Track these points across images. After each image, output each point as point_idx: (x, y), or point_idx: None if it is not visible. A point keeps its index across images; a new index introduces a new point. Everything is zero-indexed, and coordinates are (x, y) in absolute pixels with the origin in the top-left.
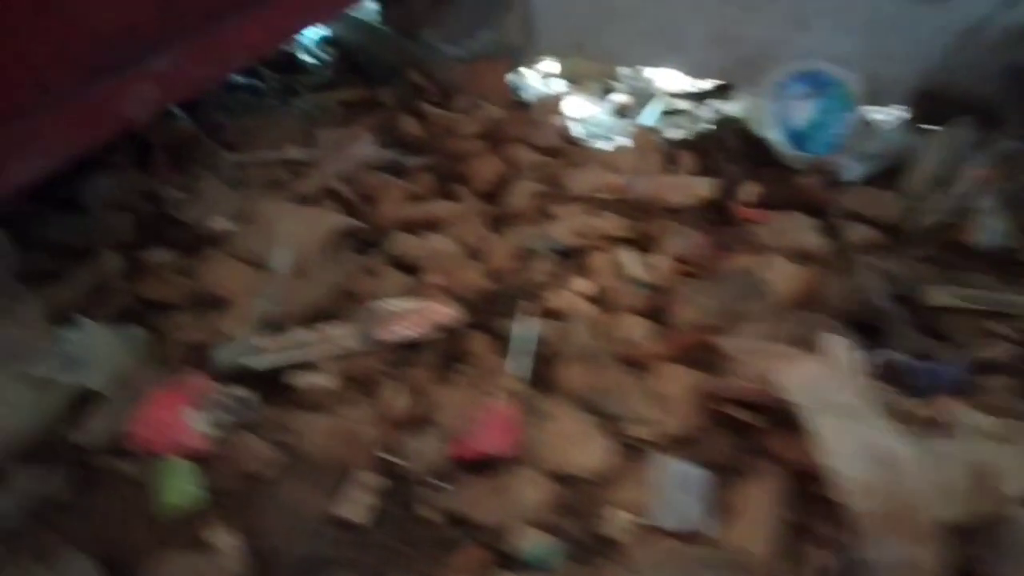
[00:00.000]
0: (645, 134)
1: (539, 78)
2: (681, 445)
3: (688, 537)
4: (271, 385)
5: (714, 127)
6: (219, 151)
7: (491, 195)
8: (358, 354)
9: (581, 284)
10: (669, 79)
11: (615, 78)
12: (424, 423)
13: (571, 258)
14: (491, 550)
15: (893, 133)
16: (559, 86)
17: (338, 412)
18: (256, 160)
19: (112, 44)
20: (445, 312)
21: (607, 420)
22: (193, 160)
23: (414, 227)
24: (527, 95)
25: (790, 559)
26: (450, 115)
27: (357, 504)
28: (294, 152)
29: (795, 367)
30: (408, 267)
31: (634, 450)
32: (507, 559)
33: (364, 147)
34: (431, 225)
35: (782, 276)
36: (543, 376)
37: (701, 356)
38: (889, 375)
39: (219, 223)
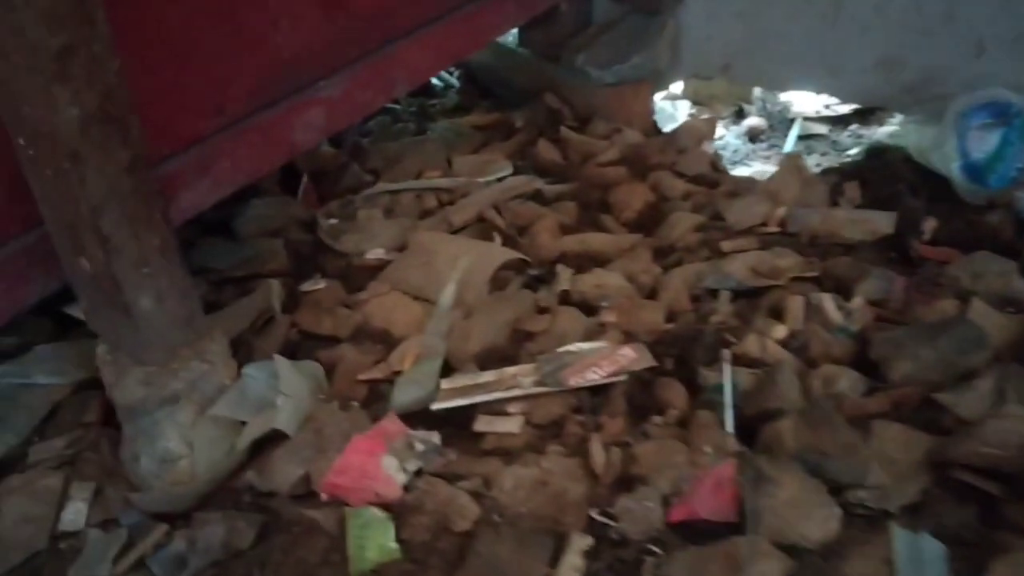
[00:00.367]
0: (793, 161)
1: (667, 101)
2: (914, 515)
3: None
4: (452, 428)
5: (874, 156)
6: (365, 177)
7: (640, 225)
8: (542, 398)
9: (777, 328)
10: (805, 102)
11: (748, 100)
12: (633, 481)
13: (753, 298)
14: None
15: None
16: (685, 108)
17: (537, 463)
18: (404, 187)
19: (289, 67)
20: (634, 356)
21: (829, 483)
22: (341, 187)
23: (575, 261)
24: (660, 118)
25: None
26: (589, 140)
27: (576, 572)
28: (441, 180)
29: None
30: (580, 305)
31: (863, 519)
32: None
33: (510, 174)
34: (593, 259)
35: (990, 325)
36: (750, 431)
37: (923, 414)
38: None
39: (377, 253)
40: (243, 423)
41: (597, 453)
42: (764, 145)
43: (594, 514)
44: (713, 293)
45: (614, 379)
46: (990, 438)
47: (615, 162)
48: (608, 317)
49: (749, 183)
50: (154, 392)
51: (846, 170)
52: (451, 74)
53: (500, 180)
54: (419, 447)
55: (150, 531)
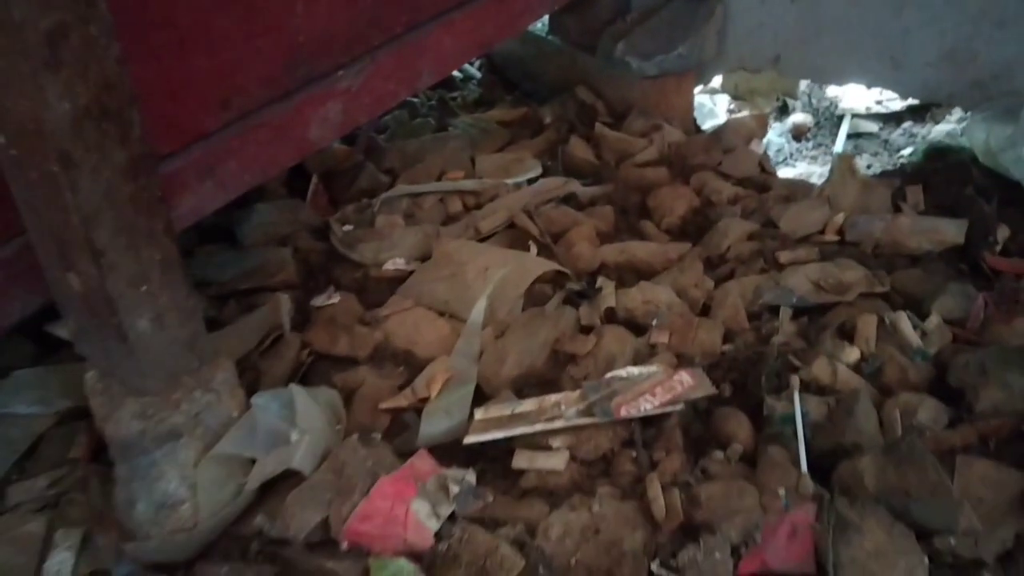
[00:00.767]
0: (847, 162)
1: (705, 95)
2: (1008, 564)
3: None
4: (486, 463)
5: (936, 157)
6: (382, 178)
7: (684, 232)
8: (587, 430)
9: (849, 351)
10: (855, 97)
11: (793, 95)
12: (698, 528)
13: (817, 316)
14: None
15: None
16: (723, 104)
17: (587, 507)
18: (426, 189)
19: (305, 53)
20: (692, 383)
21: (915, 528)
22: (355, 189)
23: (616, 272)
24: (698, 115)
25: None
26: (626, 138)
27: None
28: (466, 181)
29: None
30: (626, 323)
31: (952, 569)
32: None
33: (539, 175)
34: (636, 271)
35: None
36: (821, 468)
37: (1014, 448)
38: None
39: (398, 263)
40: (252, 461)
41: (656, 496)
42: (810, 144)
43: (654, 567)
44: (773, 310)
45: (669, 408)
46: None
47: (654, 162)
48: (659, 337)
49: (804, 187)
50: (152, 426)
51: (907, 173)
52: (471, 64)
53: (530, 182)
54: (453, 488)
55: None
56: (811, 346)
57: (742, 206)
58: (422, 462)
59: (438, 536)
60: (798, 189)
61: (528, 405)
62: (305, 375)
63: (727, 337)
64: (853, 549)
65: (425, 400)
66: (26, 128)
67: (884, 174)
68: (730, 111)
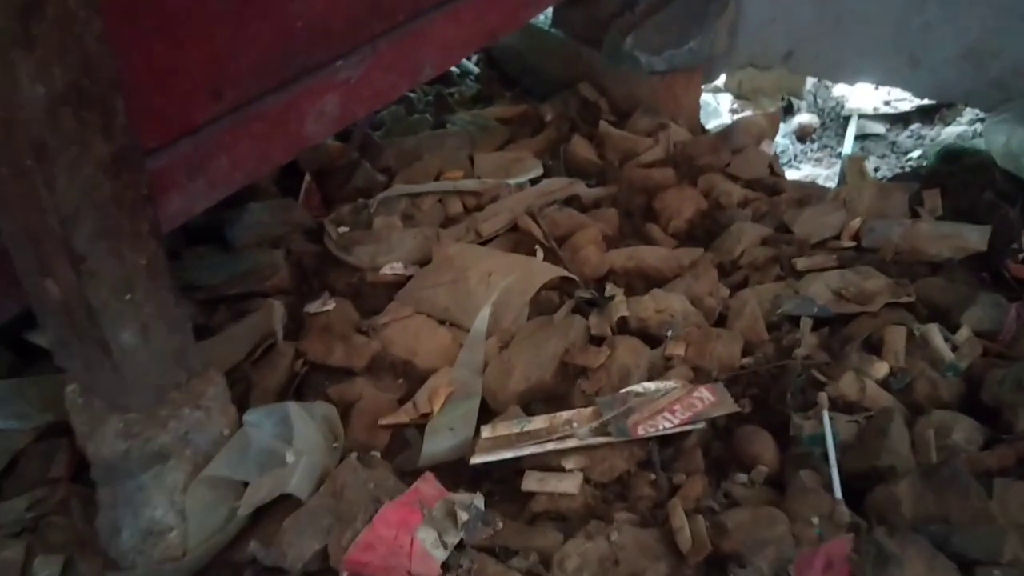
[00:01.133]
0: (857, 164)
1: (708, 94)
2: None
3: None
4: (492, 484)
5: (951, 159)
6: (378, 177)
7: (692, 236)
8: (601, 450)
9: (878, 366)
10: (862, 97)
11: (798, 94)
12: (726, 559)
13: (838, 327)
14: None
15: None
16: (727, 102)
17: (605, 535)
18: (425, 189)
19: (302, 41)
20: (713, 400)
21: (956, 558)
22: (349, 188)
23: (625, 279)
24: (703, 114)
25: None
26: (631, 137)
27: None
28: (467, 181)
29: None
30: (639, 333)
31: None
32: None
33: (540, 175)
34: (646, 277)
35: None
36: (852, 492)
37: None
38: None
39: (396, 267)
40: (245, 484)
41: (682, 525)
42: (815, 145)
43: None
44: (792, 320)
45: (689, 427)
46: None
47: (660, 162)
48: (675, 349)
49: (817, 190)
50: (137, 446)
51: (922, 176)
52: (469, 59)
53: (532, 182)
54: (461, 515)
55: None
56: (835, 360)
57: (752, 209)
58: (427, 486)
59: (445, 567)
60: (811, 192)
61: (538, 423)
62: (299, 387)
63: (746, 349)
64: None
65: (427, 415)
66: None
67: (897, 177)
68: (733, 110)
